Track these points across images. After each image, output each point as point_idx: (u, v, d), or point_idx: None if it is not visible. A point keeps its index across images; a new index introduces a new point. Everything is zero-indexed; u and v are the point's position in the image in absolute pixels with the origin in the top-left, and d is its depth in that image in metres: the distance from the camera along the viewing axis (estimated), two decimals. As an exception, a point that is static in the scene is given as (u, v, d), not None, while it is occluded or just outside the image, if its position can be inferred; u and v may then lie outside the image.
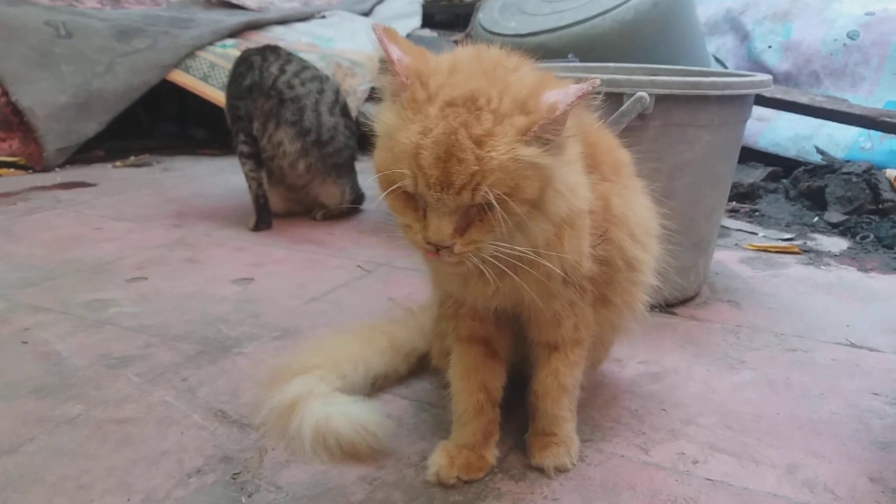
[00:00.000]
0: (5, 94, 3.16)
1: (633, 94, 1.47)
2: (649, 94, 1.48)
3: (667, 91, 1.50)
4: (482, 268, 0.85)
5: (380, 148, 0.85)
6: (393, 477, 1.06)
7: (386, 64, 0.84)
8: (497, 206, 0.79)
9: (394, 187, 0.82)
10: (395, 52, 0.83)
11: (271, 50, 2.46)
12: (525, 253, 0.86)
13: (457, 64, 0.85)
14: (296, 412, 1.12)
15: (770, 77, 1.69)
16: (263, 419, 1.16)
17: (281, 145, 2.36)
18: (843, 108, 2.69)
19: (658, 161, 1.49)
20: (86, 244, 2.14)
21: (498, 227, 0.81)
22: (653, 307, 1.68)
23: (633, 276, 1.11)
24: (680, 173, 1.59)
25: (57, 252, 2.06)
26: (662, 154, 1.54)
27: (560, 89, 0.81)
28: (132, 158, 3.45)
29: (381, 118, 0.85)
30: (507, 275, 0.88)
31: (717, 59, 3.48)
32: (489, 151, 0.78)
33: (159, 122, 4.10)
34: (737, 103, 1.61)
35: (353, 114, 3.22)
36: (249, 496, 1.01)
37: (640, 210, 1.13)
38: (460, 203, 0.79)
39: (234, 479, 1.05)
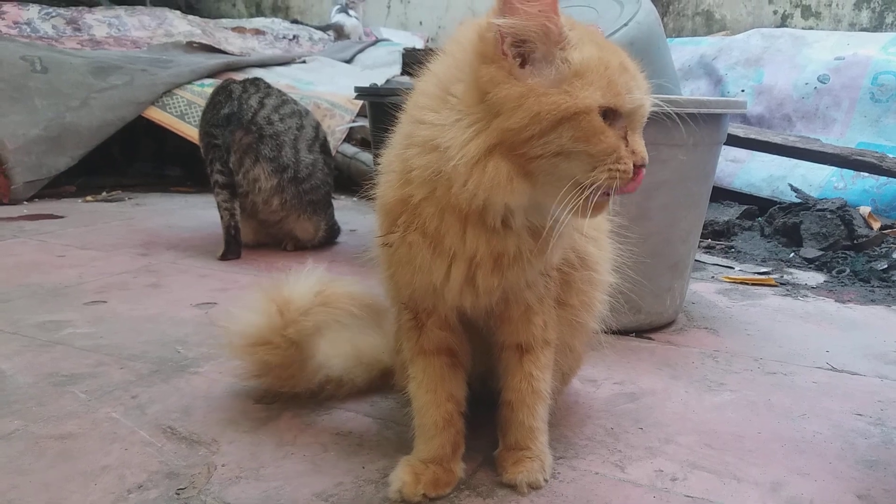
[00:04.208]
0: (-25, 126, 3.11)
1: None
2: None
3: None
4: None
5: (582, 87, 0.80)
6: (351, 493, 0.99)
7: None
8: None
9: (613, 109, 0.82)
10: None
11: (251, 82, 2.44)
12: None
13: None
14: None
15: (744, 100, 1.69)
16: None
17: (257, 181, 2.32)
18: (816, 147, 2.73)
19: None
20: (46, 270, 2.06)
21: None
22: (628, 332, 1.66)
23: (587, 274, 1.08)
24: (655, 193, 1.57)
25: (15, 277, 1.98)
26: (637, 173, 1.52)
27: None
28: (104, 194, 3.41)
29: (579, 54, 0.82)
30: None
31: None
32: None
33: (135, 160, 4.06)
34: (712, 123, 1.60)
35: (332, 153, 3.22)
36: (193, 512, 0.93)
37: None
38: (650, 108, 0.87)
39: (178, 494, 0.97)
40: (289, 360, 1.20)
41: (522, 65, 0.81)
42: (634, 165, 0.83)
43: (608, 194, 0.84)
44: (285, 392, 1.24)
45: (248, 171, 2.31)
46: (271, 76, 4.09)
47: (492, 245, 0.89)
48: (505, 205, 0.86)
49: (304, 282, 1.21)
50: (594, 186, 0.82)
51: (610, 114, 0.81)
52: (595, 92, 0.80)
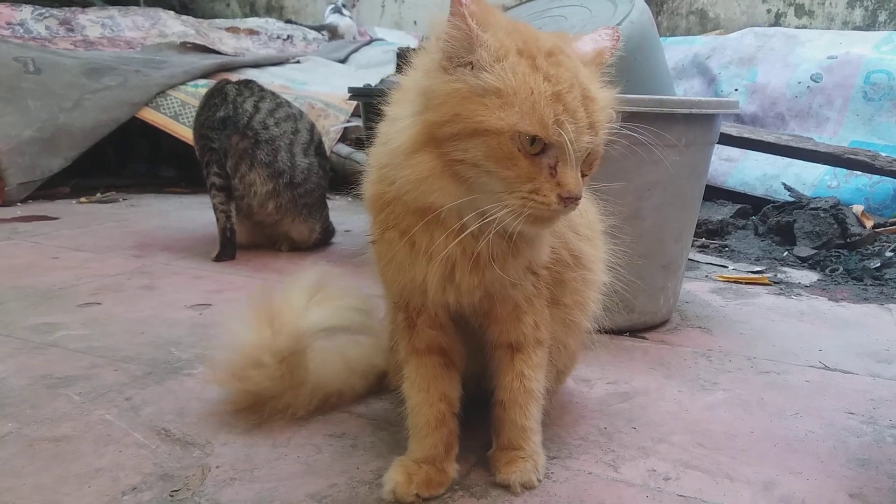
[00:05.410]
0: (-32, 127, 3.10)
1: (599, 112, 1.46)
2: (615, 112, 1.46)
3: (633, 109, 1.49)
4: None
5: (500, 107, 0.78)
6: (345, 495, 0.99)
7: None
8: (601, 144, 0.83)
9: (541, 139, 0.78)
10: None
11: (245, 84, 2.44)
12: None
13: (501, 24, 0.83)
14: None
15: (736, 100, 1.69)
16: None
17: (252, 186, 2.31)
18: (809, 146, 2.74)
19: (625, 181, 1.47)
20: (40, 272, 2.06)
21: (596, 169, 0.86)
22: (622, 331, 1.67)
23: (581, 273, 1.08)
24: (647, 193, 1.58)
25: (8, 279, 1.97)
26: (629, 174, 1.53)
27: (584, 38, 0.88)
28: (98, 195, 3.40)
29: (486, 80, 0.78)
30: (504, 257, 0.90)
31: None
32: (598, 91, 0.83)
33: (129, 161, 4.05)
34: (704, 123, 1.61)
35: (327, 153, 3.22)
36: (187, 514, 0.93)
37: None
38: (593, 144, 0.81)
39: (171, 496, 0.97)
40: (281, 386, 1.17)
41: (456, 66, 0.80)
42: (560, 197, 0.80)
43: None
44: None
45: (244, 176, 2.30)
46: (265, 76, 4.09)
47: (462, 245, 0.88)
48: (435, 204, 0.84)
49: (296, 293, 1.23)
50: (507, 210, 0.81)
51: (537, 141, 0.79)
52: (511, 115, 0.77)
